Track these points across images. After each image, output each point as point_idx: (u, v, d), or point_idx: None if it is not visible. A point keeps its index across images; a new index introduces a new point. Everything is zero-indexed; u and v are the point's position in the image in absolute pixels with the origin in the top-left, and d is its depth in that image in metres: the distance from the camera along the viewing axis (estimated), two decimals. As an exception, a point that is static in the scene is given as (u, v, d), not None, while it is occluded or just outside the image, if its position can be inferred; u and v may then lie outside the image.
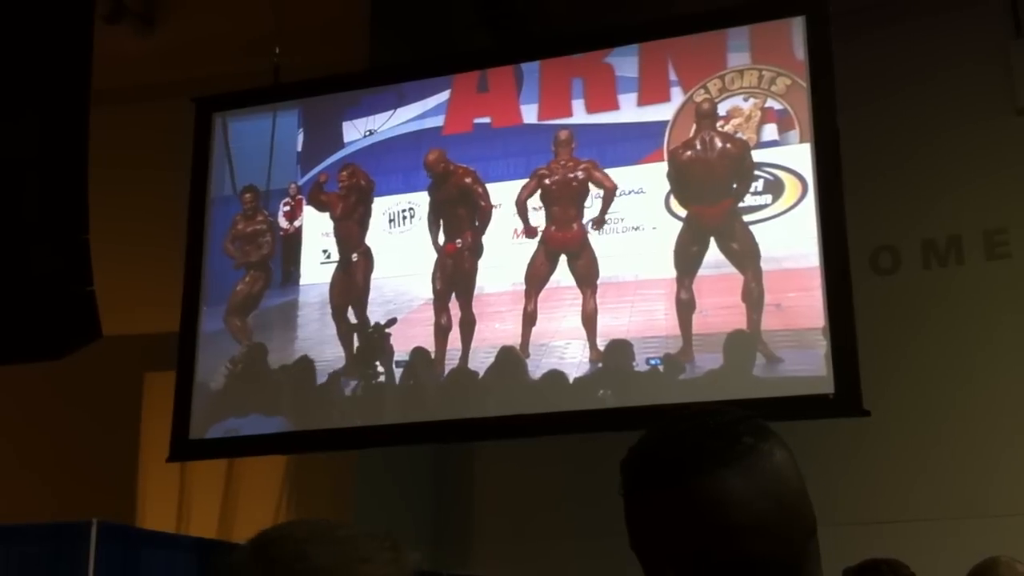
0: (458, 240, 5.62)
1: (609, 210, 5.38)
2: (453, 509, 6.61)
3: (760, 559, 1.13)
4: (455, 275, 5.59)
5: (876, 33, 6.21)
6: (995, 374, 5.84)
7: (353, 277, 5.76)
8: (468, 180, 5.66)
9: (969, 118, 6.10)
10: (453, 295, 5.56)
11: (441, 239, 5.65)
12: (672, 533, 1.15)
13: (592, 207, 5.42)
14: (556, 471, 6.26)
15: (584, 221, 5.41)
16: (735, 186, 5.24)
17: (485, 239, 5.58)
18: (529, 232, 5.49)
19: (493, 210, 5.59)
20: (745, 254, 5.14)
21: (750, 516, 1.13)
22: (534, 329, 5.35)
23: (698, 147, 5.31)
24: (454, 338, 5.48)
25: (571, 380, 5.26)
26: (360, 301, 5.70)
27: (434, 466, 6.77)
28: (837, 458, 5.88)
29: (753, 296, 5.06)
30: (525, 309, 5.38)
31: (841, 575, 3.13)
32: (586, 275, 5.35)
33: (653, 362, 5.13)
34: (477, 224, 5.61)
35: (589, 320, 5.27)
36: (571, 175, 5.47)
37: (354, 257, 5.78)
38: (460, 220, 5.65)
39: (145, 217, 6.61)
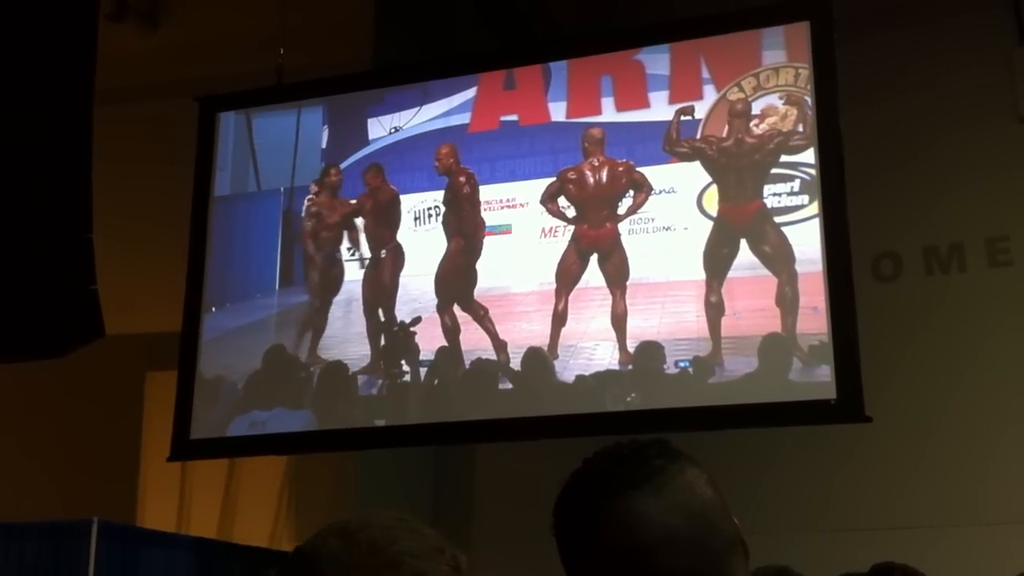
0: (459, 239, 5.60)
1: (640, 210, 5.30)
2: (453, 507, 6.60)
3: (678, 575, 1.11)
4: (460, 273, 5.55)
5: (880, 38, 6.22)
6: (995, 382, 5.85)
7: (380, 275, 5.71)
8: (461, 179, 5.61)
9: (972, 125, 6.11)
10: (460, 295, 5.52)
11: (451, 238, 5.62)
12: (593, 562, 1.15)
13: (620, 206, 5.36)
14: (559, 468, 6.23)
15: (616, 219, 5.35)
16: (765, 187, 5.16)
17: (513, 237, 5.50)
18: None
19: (486, 213, 5.53)
20: (778, 257, 5.05)
21: (660, 532, 1.12)
22: (563, 330, 5.27)
23: (729, 146, 5.24)
24: (481, 338, 5.40)
25: (600, 382, 5.16)
26: (386, 299, 5.64)
27: (436, 465, 6.76)
28: (833, 464, 5.88)
29: (787, 300, 4.97)
30: (555, 309, 5.29)
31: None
32: (616, 275, 5.26)
33: (683, 364, 5.05)
34: (469, 227, 5.57)
35: (619, 321, 5.19)
36: (606, 174, 5.39)
37: (382, 254, 5.73)
38: (454, 221, 5.63)
39: (150, 216, 6.59)
